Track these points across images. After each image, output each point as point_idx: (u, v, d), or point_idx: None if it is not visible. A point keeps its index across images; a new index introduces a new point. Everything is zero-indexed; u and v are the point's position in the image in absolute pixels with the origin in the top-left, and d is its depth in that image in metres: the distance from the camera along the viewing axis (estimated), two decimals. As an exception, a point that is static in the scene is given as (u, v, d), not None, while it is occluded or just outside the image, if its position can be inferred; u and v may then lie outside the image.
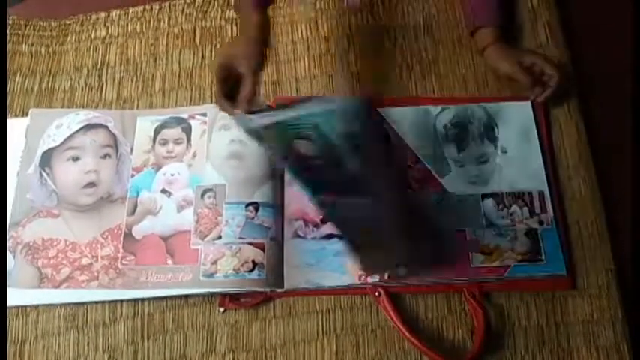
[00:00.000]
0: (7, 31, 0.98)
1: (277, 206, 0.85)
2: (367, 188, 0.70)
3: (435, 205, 0.84)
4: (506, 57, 0.89)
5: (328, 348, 0.79)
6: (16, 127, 0.89)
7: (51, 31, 0.99)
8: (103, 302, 0.81)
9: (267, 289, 0.80)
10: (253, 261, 0.81)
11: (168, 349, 0.79)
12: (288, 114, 0.73)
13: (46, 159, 0.88)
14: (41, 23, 1.00)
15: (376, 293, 0.80)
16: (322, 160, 0.72)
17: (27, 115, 0.91)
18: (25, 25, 1.00)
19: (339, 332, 0.80)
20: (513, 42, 0.93)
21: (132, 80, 0.95)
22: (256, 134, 0.75)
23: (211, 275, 0.80)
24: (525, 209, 0.84)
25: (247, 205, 0.84)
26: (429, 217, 0.83)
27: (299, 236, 0.83)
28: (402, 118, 0.89)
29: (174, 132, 0.91)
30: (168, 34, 0.98)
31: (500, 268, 0.81)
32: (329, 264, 0.81)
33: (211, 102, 0.92)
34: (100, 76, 0.96)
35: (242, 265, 0.81)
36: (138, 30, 0.99)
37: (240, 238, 0.82)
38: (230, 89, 0.76)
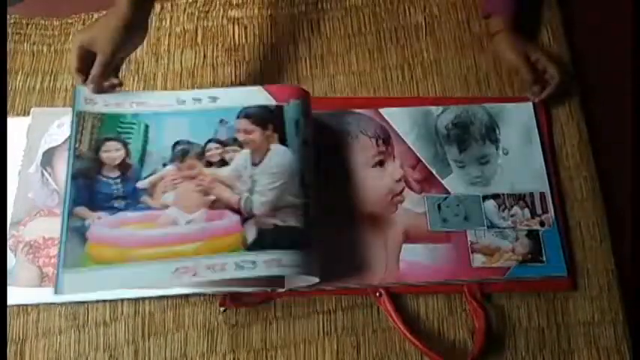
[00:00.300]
0: (9, 30, 0.98)
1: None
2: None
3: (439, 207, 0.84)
4: (513, 47, 0.89)
5: (329, 348, 0.79)
6: (17, 126, 0.89)
7: (53, 30, 0.99)
8: (103, 301, 0.81)
9: (268, 289, 0.80)
10: (254, 261, 0.81)
11: (169, 348, 0.79)
12: (125, 109, 0.78)
13: (48, 158, 0.88)
14: (43, 22, 1.00)
15: (377, 294, 0.80)
16: (119, 171, 0.76)
17: (28, 114, 0.91)
18: (27, 24, 1.00)
19: (340, 333, 0.80)
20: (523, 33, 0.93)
21: (133, 79, 0.95)
22: (81, 118, 0.78)
23: (212, 275, 0.80)
24: (526, 210, 0.84)
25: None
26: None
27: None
28: (403, 118, 0.89)
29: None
30: (170, 33, 0.98)
31: (502, 269, 0.81)
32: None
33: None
34: (102, 75, 0.95)
35: (242, 265, 0.81)
36: (140, 29, 0.99)
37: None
38: (88, 67, 0.78)
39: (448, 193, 0.85)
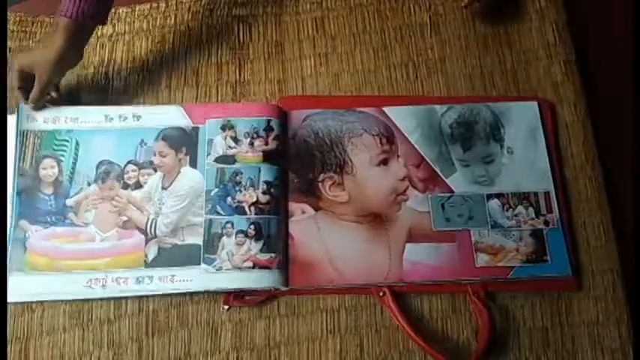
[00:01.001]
0: (14, 28, 0.98)
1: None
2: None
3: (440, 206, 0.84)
4: None
5: (332, 347, 0.79)
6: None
7: (58, 28, 1.00)
8: (108, 299, 0.81)
9: (272, 288, 0.80)
10: (257, 259, 0.82)
11: (173, 346, 0.80)
12: (60, 124, 0.86)
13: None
14: (48, 20, 1.00)
15: (380, 293, 0.80)
16: (53, 188, 0.84)
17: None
18: (33, 22, 1.00)
19: (344, 331, 0.80)
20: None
21: (138, 78, 0.95)
22: (24, 136, 0.86)
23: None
24: (531, 209, 0.84)
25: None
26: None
27: (303, 235, 0.84)
28: (407, 117, 0.89)
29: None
30: (174, 31, 0.98)
31: (505, 268, 0.80)
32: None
33: (217, 101, 0.93)
34: (106, 74, 0.95)
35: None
36: (144, 27, 0.99)
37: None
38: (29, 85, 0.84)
39: (452, 192, 0.85)
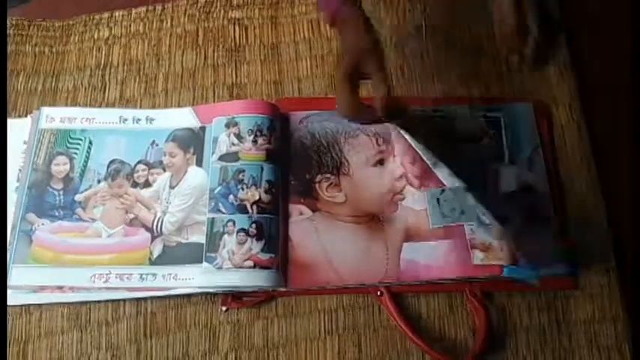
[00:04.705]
0: (11, 32, 0.99)
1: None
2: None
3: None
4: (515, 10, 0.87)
5: (330, 347, 0.79)
6: (19, 127, 0.90)
7: (54, 31, 1.00)
8: (105, 301, 0.81)
9: (270, 289, 0.80)
10: (255, 260, 0.82)
11: (171, 348, 0.80)
12: (76, 125, 0.88)
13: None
14: (44, 23, 1.00)
15: (378, 293, 0.80)
16: (63, 184, 0.85)
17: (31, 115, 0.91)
18: (29, 26, 1.00)
19: (342, 331, 0.80)
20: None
21: (135, 80, 0.95)
22: (42, 134, 0.88)
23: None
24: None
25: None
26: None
27: (301, 236, 0.84)
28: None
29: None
30: (171, 34, 0.99)
31: (502, 267, 0.80)
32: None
33: (214, 102, 0.93)
34: (103, 77, 0.96)
35: (244, 265, 0.82)
36: (141, 30, 0.99)
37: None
38: None
39: (447, 188, 0.84)
